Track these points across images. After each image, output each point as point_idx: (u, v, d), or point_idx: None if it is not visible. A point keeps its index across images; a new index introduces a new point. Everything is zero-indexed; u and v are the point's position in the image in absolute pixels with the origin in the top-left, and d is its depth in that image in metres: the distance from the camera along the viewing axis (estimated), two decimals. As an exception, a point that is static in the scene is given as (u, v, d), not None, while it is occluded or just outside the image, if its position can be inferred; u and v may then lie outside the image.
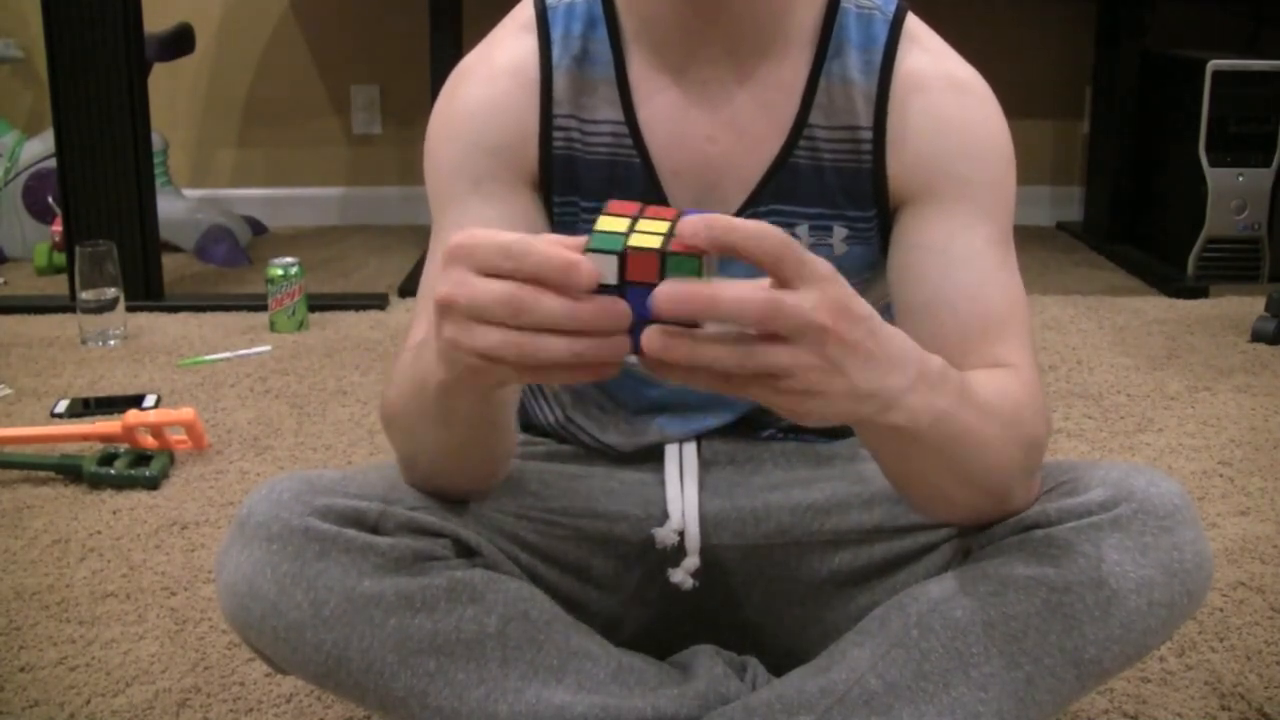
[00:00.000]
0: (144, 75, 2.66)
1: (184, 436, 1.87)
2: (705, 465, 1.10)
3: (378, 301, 2.74)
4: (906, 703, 0.89)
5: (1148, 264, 3.13)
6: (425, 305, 0.99)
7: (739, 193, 1.01)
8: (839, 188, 1.00)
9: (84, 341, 2.44)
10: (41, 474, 1.78)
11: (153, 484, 1.74)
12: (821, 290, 0.69)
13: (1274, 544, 1.59)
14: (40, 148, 3.13)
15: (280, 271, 2.52)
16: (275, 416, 2.05)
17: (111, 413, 2.02)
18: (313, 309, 2.63)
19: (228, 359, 2.36)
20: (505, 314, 0.68)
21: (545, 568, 1.03)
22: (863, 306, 0.72)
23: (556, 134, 1.01)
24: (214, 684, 1.25)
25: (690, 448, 1.10)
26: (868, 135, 0.99)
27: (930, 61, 0.99)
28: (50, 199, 3.13)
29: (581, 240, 0.70)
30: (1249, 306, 2.73)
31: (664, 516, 1.06)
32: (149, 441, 1.85)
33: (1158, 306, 2.81)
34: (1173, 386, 2.23)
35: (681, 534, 1.05)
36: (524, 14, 1.02)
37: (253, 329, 2.55)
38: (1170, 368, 2.35)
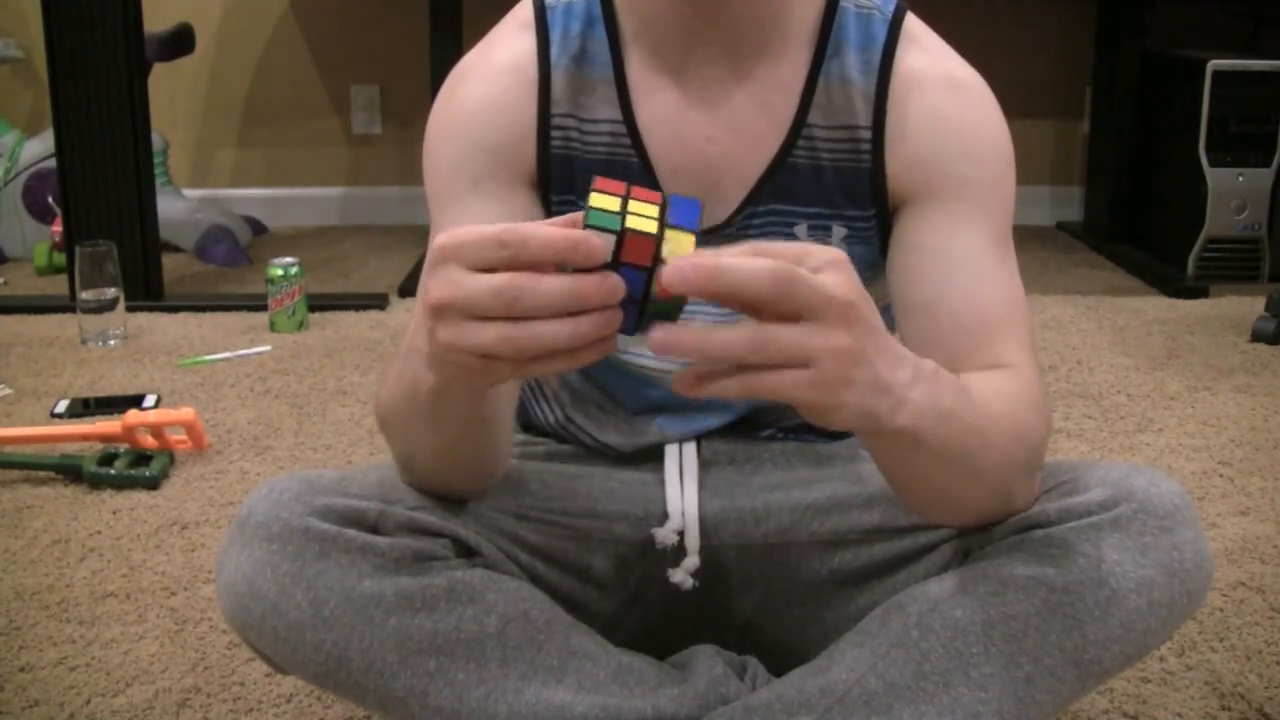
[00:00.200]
0: (144, 75, 2.66)
1: (184, 436, 1.87)
2: (705, 465, 1.10)
3: (378, 301, 2.74)
4: (906, 703, 0.89)
5: (1148, 264, 3.13)
6: (423, 304, 0.99)
7: (738, 192, 1.01)
8: (838, 187, 1.00)
9: (84, 341, 2.44)
10: (41, 474, 1.78)
11: (153, 484, 1.74)
12: (839, 270, 0.69)
13: (1274, 544, 1.59)
14: (40, 148, 3.13)
15: (280, 271, 2.52)
16: (275, 416, 2.05)
17: (111, 413, 2.02)
18: (313, 309, 2.63)
19: (228, 359, 2.36)
20: (500, 305, 0.68)
21: (545, 568, 1.03)
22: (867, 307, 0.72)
23: (555, 133, 1.01)
24: (214, 684, 1.25)
25: (690, 448, 1.10)
26: (866, 135, 0.99)
27: (929, 61, 0.99)
28: (50, 199, 3.13)
29: (571, 219, 0.70)
30: (1249, 306, 2.73)
31: (664, 516, 1.06)
32: (149, 441, 1.85)
33: (1158, 306, 2.81)
34: (1173, 386, 2.23)
35: (681, 534, 1.05)
36: (523, 13, 1.02)
37: (253, 329, 2.55)
38: (1170, 368, 2.35)
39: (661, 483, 1.08)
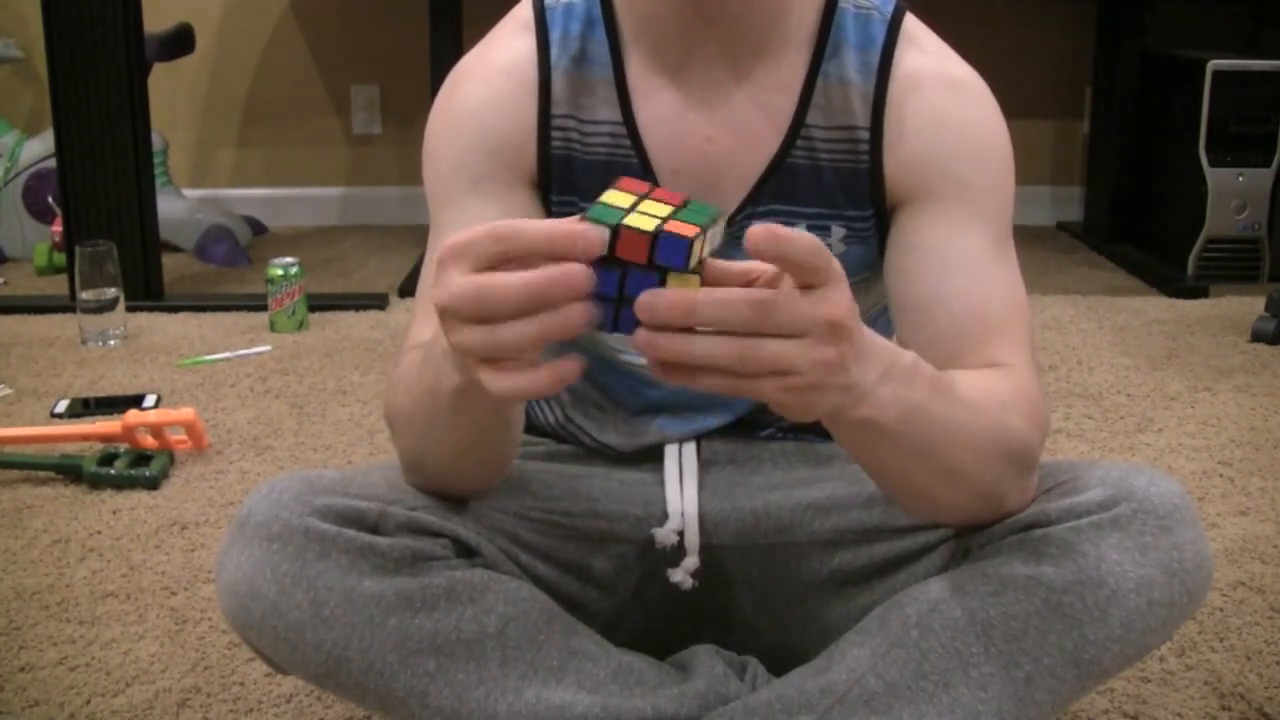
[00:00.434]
0: (144, 75, 2.66)
1: (184, 436, 1.87)
2: (705, 465, 1.10)
3: (378, 301, 2.74)
4: (906, 703, 0.89)
5: (1148, 264, 3.13)
6: (424, 306, 0.99)
7: (737, 192, 1.01)
8: (837, 187, 1.00)
9: (84, 341, 2.44)
10: (41, 474, 1.78)
11: (153, 484, 1.74)
12: (839, 287, 0.70)
13: (1274, 544, 1.59)
14: (40, 148, 3.13)
15: (280, 271, 2.52)
16: (275, 416, 2.05)
17: (111, 413, 2.02)
18: (313, 309, 2.63)
19: (228, 359, 2.36)
20: (473, 307, 0.69)
21: (545, 568, 1.03)
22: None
23: (555, 134, 1.01)
24: (214, 684, 1.25)
25: (690, 448, 1.10)
26: (865, 135, 0.99)
27: (928, 62, 0.99)
28: (50, 199, 3.13)
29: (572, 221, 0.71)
30: (1249, 306, 2.73)
31: (664, 516, 1.06)
32: (149, 441, 1.85)
33: (1158, 306, 2.81)
34: (1173, 386, 2.23)
35: (681, 534, 1.05)
36: (523, 14, 1.03)
37: (253, 329, 2.56)
38: (1170, 368, 2.35)
39: (661, 483, 1.08)
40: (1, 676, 1.27)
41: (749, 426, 1.13)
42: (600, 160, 1.01)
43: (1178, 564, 0.89)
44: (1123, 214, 3.37)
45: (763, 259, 0.68)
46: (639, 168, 1.00)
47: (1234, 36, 3.49)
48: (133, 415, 1.85)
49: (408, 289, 2.84)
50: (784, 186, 1.01)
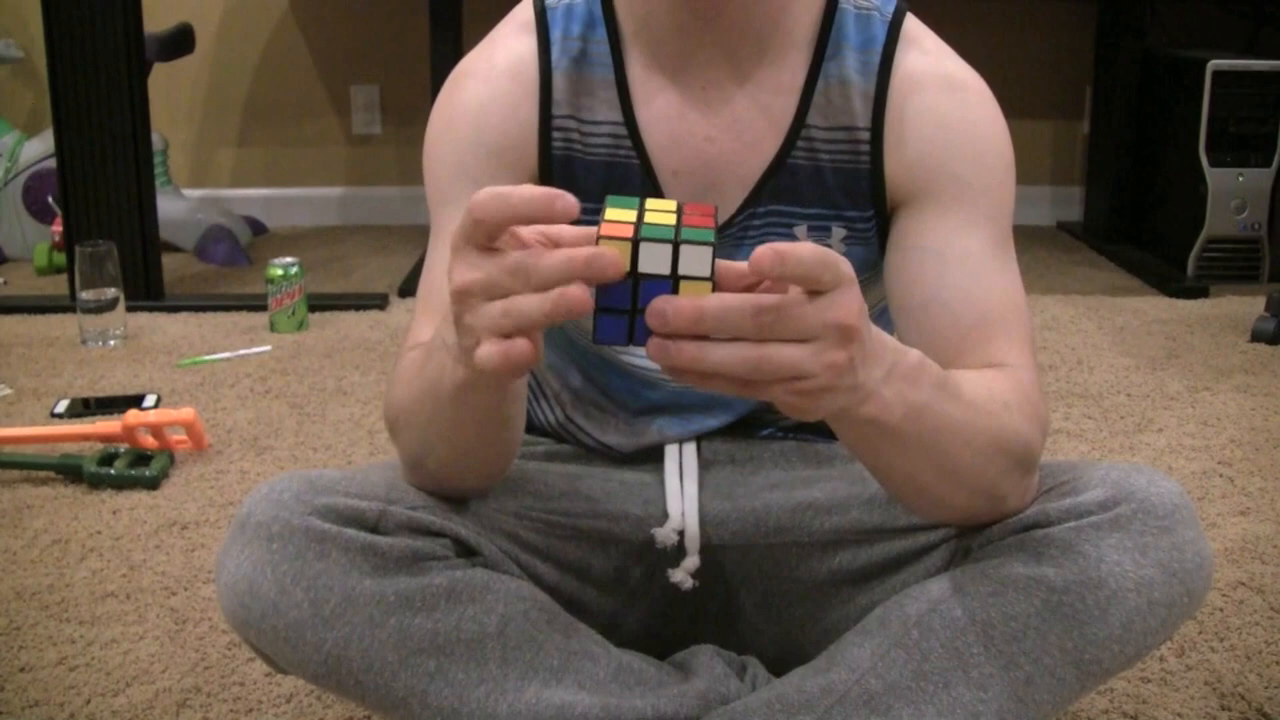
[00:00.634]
0: (144, 75, 2.66)
1: (184, 436, 1.87)
2: (705, 465, 1.10)
3: (378, 301, 2.74)
4: (906, 703, 0.89)
5: (1148, 264, 3.13)
6: (425, 306, 0.99)
7: (738, 193, 1.01)
8: (837, 188, 1.00)
9: (84, 341, 2.44)
10: (41, 474, 1.78)
11: (153, 484, 1.74)
12: (849, 291, 0.71)
13: (1274, 544, 1.59)
14: (40, 148, 3.13)
15: (280, 271, 2.52)
16: (275, 416, 2.05)
17: (111, 413, 2.02)
18: (313, 309, 2.63)
19: (228, 359, 2.36)
20: (520, 282, 0.70)
21: (545, 568, 1.03)
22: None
23: (555, 134, 1.01)
24: (214, 684, 1.25)
25: (690, 448, 1.10)
26: (866, 136, 0.99)
27: (929, 62, 0.99)
28: (50, 199, 3.13)
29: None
30: (1249, 306, 2.73)
31: (664, 516, 1.06)
32: (149, 441, 1.85)
33: (1158, 306, 2.81)
34: (1173, 386, 2.23)
35: (681, 533, 1.05)
36: (523, 14, 1.03)
37: (253, 329, 2.56)
38: (1170, 368, 2.35)
39: (661, 483, 1.08)
40: (1, 676, 1.27)
41: (749, 426, 1.13)
42: (601, 160, 1.01)
43: (1178, 564, 0.89)
44: (1123, 214, 3.38)
45: (770, 279, 0.69)
46: (639, 168, 1.00)
47: (1234, 36, 3.49)
48: (133, 415, 1.85)
49: (408, 289, 2.84)
50: (784, 187, 1.01)
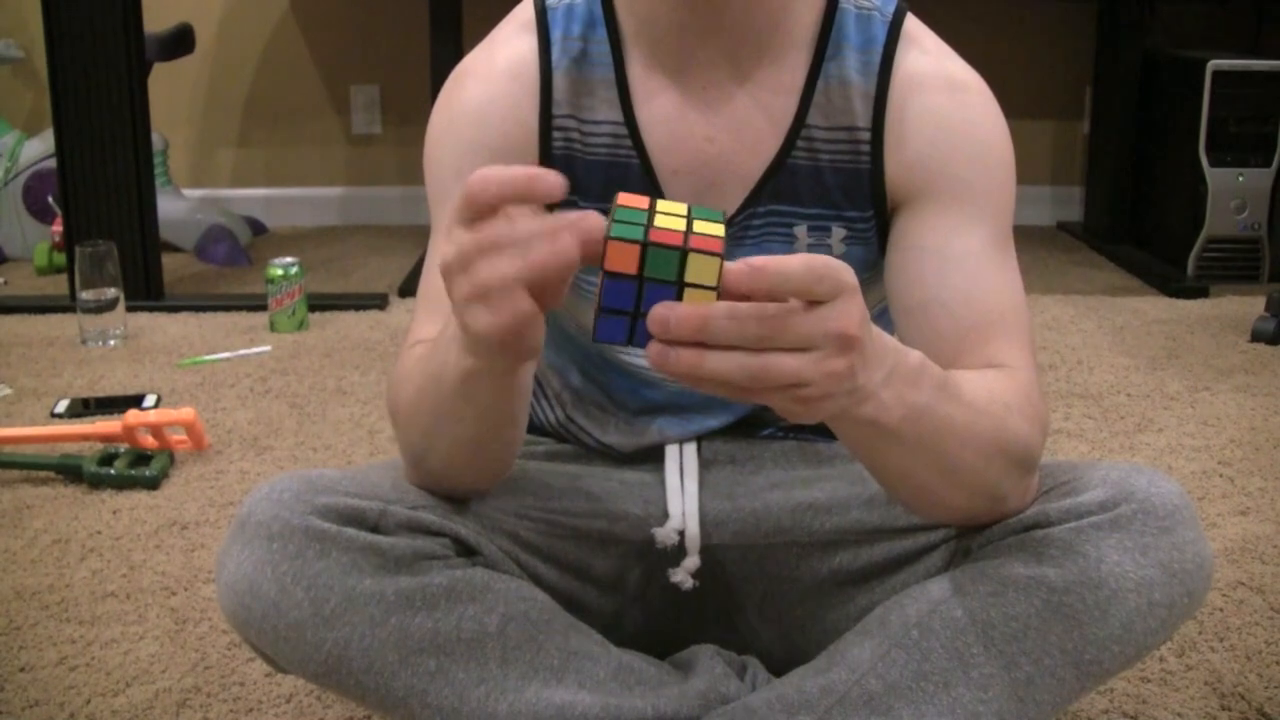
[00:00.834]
0: (144, 75, 2.66)
1: (184, 436, 1.87)
2: (705, 465, 1.10)
3: (378, 301, 2.74)
4: (906, 703, 0.89)
5: (1148, 264, 3.13)
6: (426, 304, 0.99)
7: (738, 193, 1.01)
8: (837, 188, 1.00)
9: (84, 341, 2.44)
10: (41, 474, 1.78)
11: (153, 484, 1.74)
12: (849, 300, 0.71)
13: (1274, 544, 1.59)
14: (40, 148, 3.13)
15: (280, 271, 2.52)
16: (275, 416, 2.05)
17: (111, 413, 2.02)
18: (313, 309, 2.63)
19: (228, 359, 2.36)
20: (505, 236, 0.71)
21: (545, 567, 1.03)
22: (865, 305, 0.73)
23: (556, 134, 1.01)
24: (214, 684, 1.25)
25: (690, 447, 1.10)
26: (866, 136, 0.99)
27: (929, 62, 0.99)
28: (50, 199, 3.13)
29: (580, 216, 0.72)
30: (1249, 306, 2.73)
31: (664, 516, 1.06)
32: (149, 441, 1.85)
33: (1158, 306, 2.81)
34: (1173, 386, 2.23)
35: (681, 533, 1.05)
36: (524, 14, 1.03)
37: (253, 329, 2.56)
38: (1170, 368, 2.35)
39: (662, 482, 1.08)
40: (1, 676, 1.27)
41: (749, 426, 1.13)
42: (601, 160, 1.01)
43: (1178, 564, 0.89)
44: (1123, 214, 3.38)
45: (755, 294, 0.69)
46: (639, 168, 1.00)
47: (1234, 36, 3.49)
48: (133, 415, 1.85)
49: (408, 289, 2.84)
50: (784, 187, 1.01)
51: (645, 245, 0.69)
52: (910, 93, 0.98)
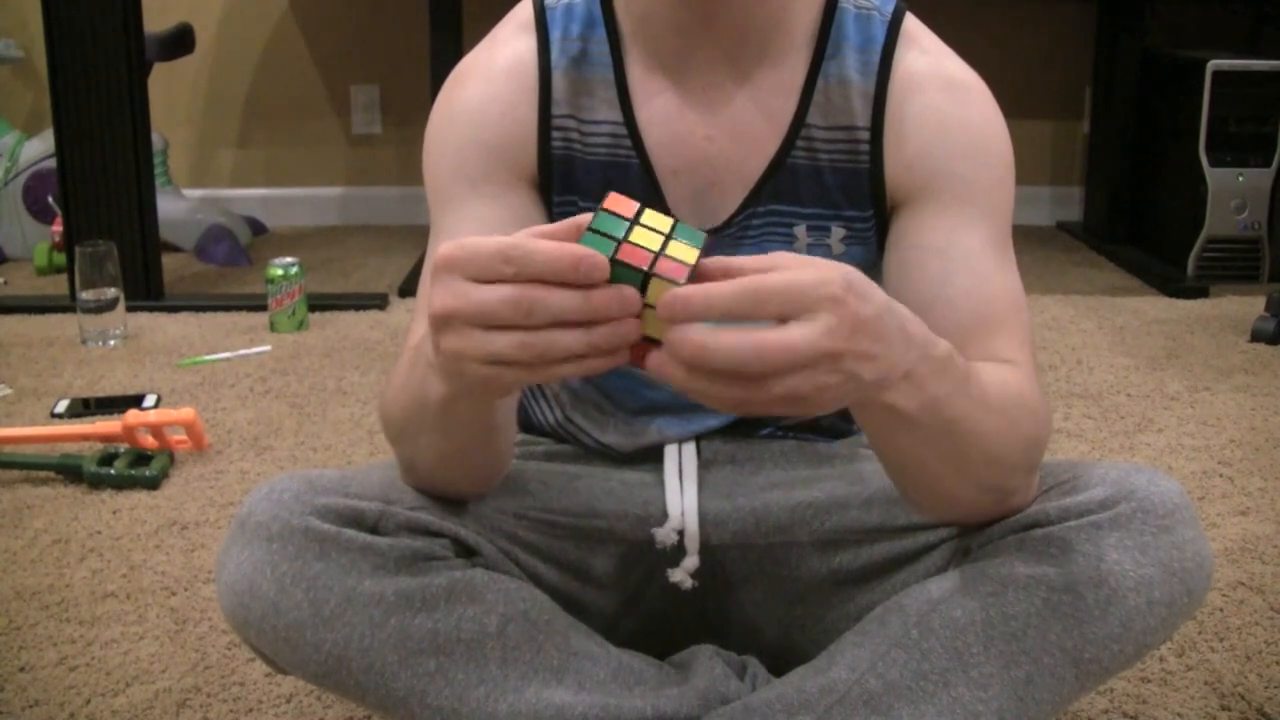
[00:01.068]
0: (144, 75, 2.66)
1: (184, 436, 1.87)
2: (705, 465, 1.10)
3: (378, 301, 2.74)
4: (906, 702, 0.89)
5: (1148, 264, 3.13)
6: (424, 306, 0.99)
7: (737, 193, 1.01)
8: (837, 187, 1.00)
9: (84, 341, 2.44)
10: (41, 474, 1.78)
11: (153, 484, 1.74)
12: (831, 312, 0.69)
13: (1274, 544, 1.59)
14: (40, 148, 3.13)
15: (280, 271, 2.52)
16: (275, 416, 2.05)
17: (111, 413, 2.02)
18: (313, 309, 2.63)
19: (228, 359, 2.36)
20: (516, 315, 0.69)
21: (545, 568, 1.03)
22: (875, 296, 0.72)
23: (555, 134, 1.01)
24: (214, 684, 1.25)
25: (690, 447, 1.10)
26: (865, 135, 0.99)
27: (928, 62, 0.99)
28: (50, 199, 3.13)
29: (572, 222, 0.72)
30: (1249, 306, 2.73)
31: (663, 516, 1.06)
32: (149, 441, 1.85)
33: (1158, 306, 2.81)
34: (1173, 386, 2.23)
35: (681, 533, 1.05)
36: (523, 14, 1.03)
37: (253, 329, 2.56)
38: (1170, 368, 2.35)
39: (661, 482, 1.08)
40: (1, 676, 1.27)
41: (749, 426, 1.13)
42: (600, 160, 1.01)
43: (1178, 564, 0.89)
44: (1123, 214, 3.38)
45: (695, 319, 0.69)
46: (639, 168, 1.00)
47: (1234, 36, 3.49)
48: (133, 415, 1.85)
49: (408, 289, 2.84)
50: (784, 187, 1.01)
51: (613, 261, 0.69)
52: (909, 92, 0.98)
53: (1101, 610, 0.87)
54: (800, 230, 1.01)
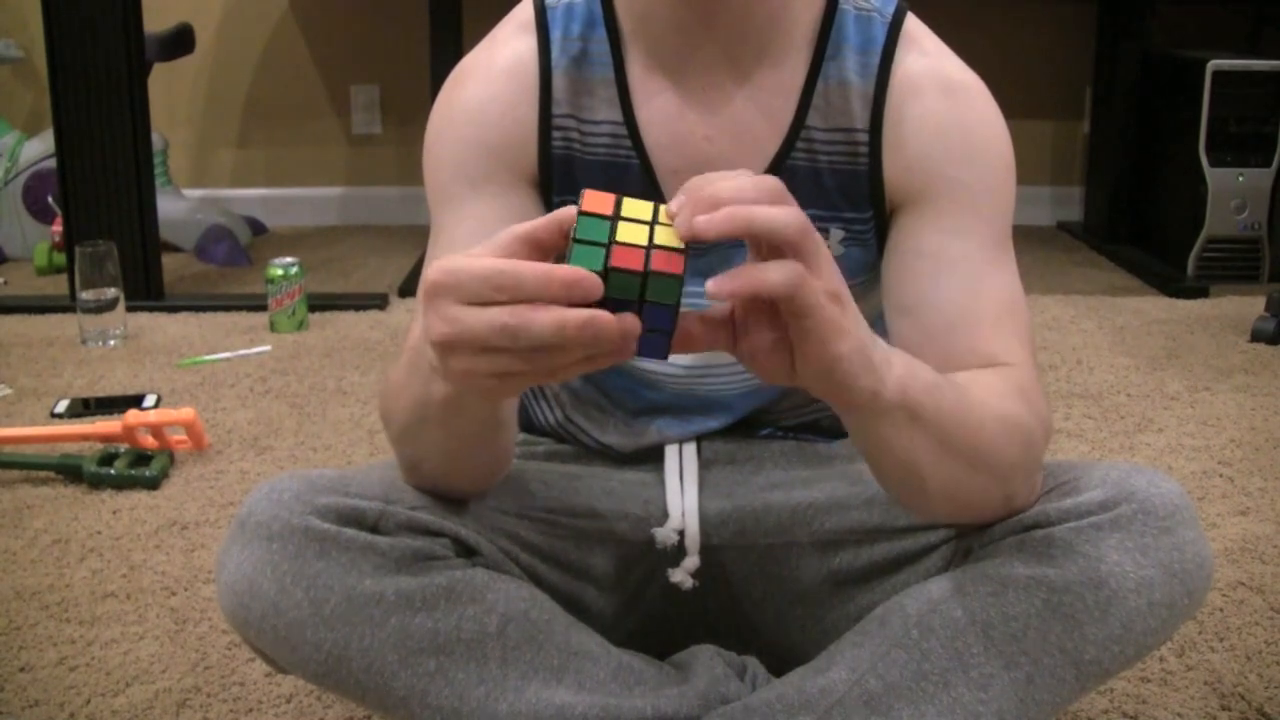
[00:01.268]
0: (144, 75, 2.66)
1: (184, 436, 1.87)
2: (705, 465, 1.10)
3: (378, 301, 2.74)
4: (906, 703, 0.89)
5: (1148, 264, 3.13)
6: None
7: (738, 193, 1.01)
8: (836, 189, 1.00)
9: (84, 341, 2.44)
10: (41, 474, 1.78)
11: (153, 484, 1.74)
12: (830, 269, 0.73)
13: (1274, 544, 1.59)
14: (40, 148, 3.13)
15: (280, 271, 2.52)
16: (275, 416, 2.05)
17: (111, 413, 2.02)
18: (313, 309, 2.63)
19: (228, 359, 2.36)
20: (509, 341, 0.69)
21: (545, 568, 1.03)
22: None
23: (555, 134, 1.01)
24: (214, 684, 1.25)
25: (690, 447, 1.10)
26: (864, 137, 0.99)
27: (928, 64, 0.99)
28: (50, 199, 3.13)
29: (558, 215, 0.72)
30: (1249, 306, 2.73)
31: (664, 516, 1.06)
32: (149, 441, 1.85)
33: (1158, 306, 2.81)
34: (1173, 386, 2.23)
35: (681, 533, 1.05)
36: (523, 14, 1.02)
37: (253, 329, 2.56)
38: (1170, 368, 2.35)
39: (661, 482, 1.08)
40: (1, 676, 1.27)
41: (749, 426, 1.13)
42: (600, 160, 1.01)
43: (1178, 564, 0.89)
44: (1123, 214, 3.38)
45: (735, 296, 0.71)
46: (639, 168, 1.00)
47: (1234, 36, 3.49)
48: (133, 415, 1.85)
49: (408, 289, 2.84)
50: (783, 187, 1.00)
51: (609, 271, 0.70)
52: (908, 95, 0.98)
53: (1102, 611, 0.87)
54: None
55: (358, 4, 3.52)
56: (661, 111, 0.99)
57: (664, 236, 0.71)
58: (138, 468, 1.76)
